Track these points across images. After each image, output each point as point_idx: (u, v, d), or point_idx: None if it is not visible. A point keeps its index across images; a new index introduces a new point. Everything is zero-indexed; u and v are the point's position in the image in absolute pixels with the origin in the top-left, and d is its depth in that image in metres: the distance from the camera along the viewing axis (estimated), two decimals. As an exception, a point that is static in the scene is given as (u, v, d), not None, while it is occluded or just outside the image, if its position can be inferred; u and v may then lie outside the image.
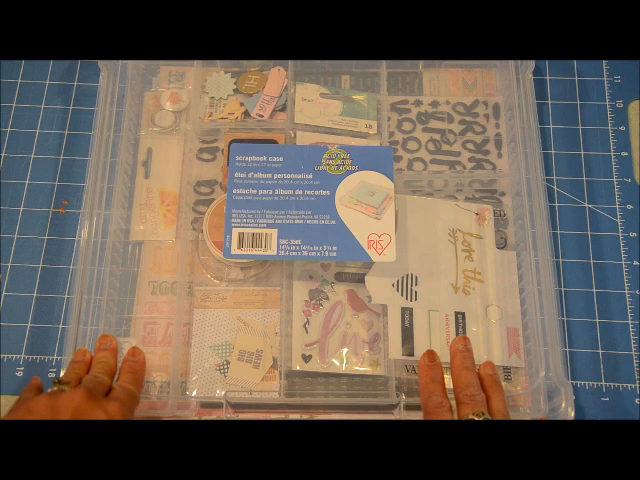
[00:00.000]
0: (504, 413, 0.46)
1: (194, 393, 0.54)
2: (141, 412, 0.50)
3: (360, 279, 0.56)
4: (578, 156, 0.62)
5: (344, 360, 0.54)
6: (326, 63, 0.64)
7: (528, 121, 0.58)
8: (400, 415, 0.51)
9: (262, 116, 0.62)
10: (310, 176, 0.54)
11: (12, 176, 0.61)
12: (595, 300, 0.57)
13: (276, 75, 0.64)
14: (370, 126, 0.62)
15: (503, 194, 0.60)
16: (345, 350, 0.54)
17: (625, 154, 0.62)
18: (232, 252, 0.52)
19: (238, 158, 0.55)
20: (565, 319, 0.57)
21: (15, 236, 0.59)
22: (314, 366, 0.54)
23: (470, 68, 0.65)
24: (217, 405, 0.52)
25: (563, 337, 0.55)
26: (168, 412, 0.51)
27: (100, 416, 0.43)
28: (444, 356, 0.52)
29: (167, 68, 0.65)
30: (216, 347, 0.55)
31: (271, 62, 0.64)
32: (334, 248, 0.52)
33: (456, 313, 0.54)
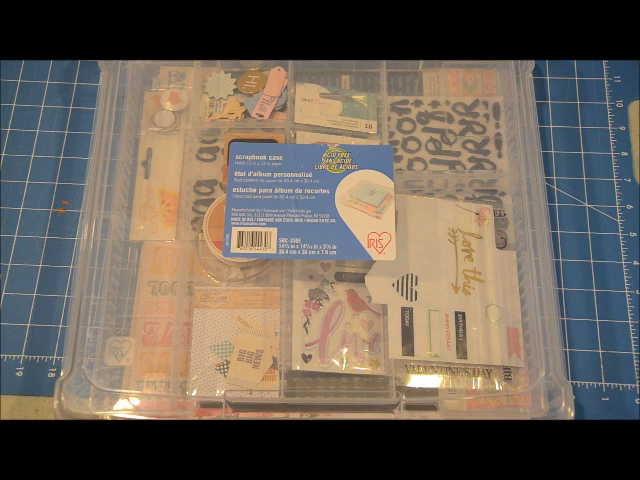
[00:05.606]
0: None
1: (194, 393, 0.53)
2: (141, 412, 0.50)
3: (360, 279, 0.56)
4: (578, 156, 0.62)
5: (344, 360, 0.54)
6: (326, 63, 0.64)
7: (528, 121, 0.57)
8: (400, 415, 0.51)
9: (262, 116, 0.62)
10: (310, 175, 0.54)
11: (12, 176, 0.61)
12: (595, 300, 0.57)
13: (276, 75, 0.64)
14: (370, 126, 0.62)
15: (503, 194, 0.60)
16: (345, 350, 0.54)
17: (625, 154, 0.62)
18: (232, 251, 0.52)
19: (238, 157, 0.55)
20: (565, 319, 0.57)
21: (15, 236, 0.59)
22: (314, 366, 0.54)
23: (470, 68, 0.65)
24: (217, 405, 0.52)
25: (563, 337, 0.55)
26: (168, 412, 0.51)
27: None
28: (444, 356, 0.52)
29: (167, 68, 0.65)
30: (216, 347, 0.55)
31: (271, 62, 0.64)
32: (334, 247, 0.52)
33: (456, 313, 0.54)
